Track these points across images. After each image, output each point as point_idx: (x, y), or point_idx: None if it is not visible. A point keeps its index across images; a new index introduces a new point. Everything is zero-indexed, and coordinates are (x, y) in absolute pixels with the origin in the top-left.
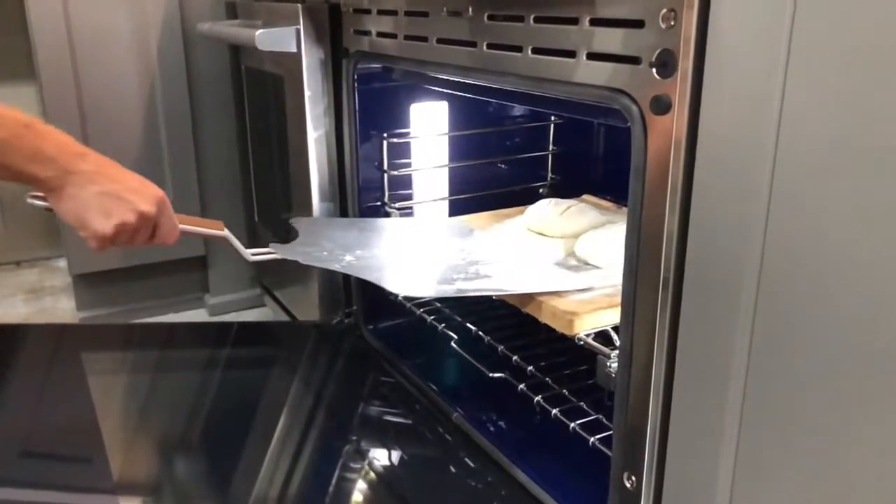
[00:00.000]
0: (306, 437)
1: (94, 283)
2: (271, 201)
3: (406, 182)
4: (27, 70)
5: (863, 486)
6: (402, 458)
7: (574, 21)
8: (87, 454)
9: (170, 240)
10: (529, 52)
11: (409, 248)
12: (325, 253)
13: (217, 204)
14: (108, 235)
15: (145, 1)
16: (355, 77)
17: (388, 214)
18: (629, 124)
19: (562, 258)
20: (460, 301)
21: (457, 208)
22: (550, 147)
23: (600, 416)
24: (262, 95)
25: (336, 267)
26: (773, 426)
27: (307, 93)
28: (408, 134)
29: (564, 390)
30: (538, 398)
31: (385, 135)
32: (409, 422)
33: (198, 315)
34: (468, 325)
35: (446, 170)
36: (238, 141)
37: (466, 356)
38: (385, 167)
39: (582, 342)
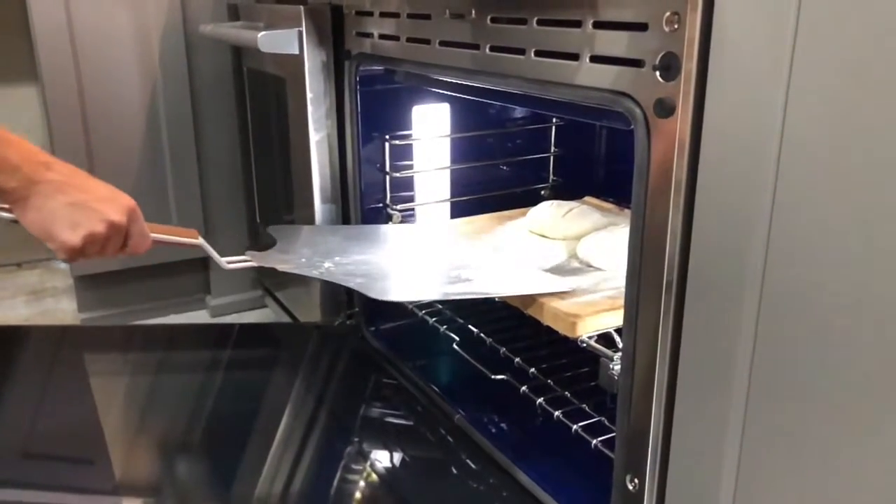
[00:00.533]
0: (308, 439)
1: (95, 285)
2: (273, 203)
3: (408, 184)
4: (29, 71)
5: (867, 489)
6: (403, 460)
7: (577, 24)
8: (90, 455)
9: (141, 249)
10: (532, 54)
11: (388, 254)
12: (303, 260)
13: (218, 205)
14: (77, 247)
15: (147, 2)
16: (357, 79)
17: (389, 216)
18: (632, 127)
19: (564, 260)
20: (462, 303)
21: (458, 210)
22: (552, 149)
23: (602, 419)
24: (264, 97)
25: (314, 273)
26: (777, 429)
27: (309, 95)
28: (410, 136)
29: (567, 392)
30: (540, 400)
31: (387, 137)
32: (411, 423)
33: (199, 316)
34: (470, 326)
35: (448, 172)
36: (240, 142)
37: (468, 358)
38: (387, 169)
39: (584, 344)
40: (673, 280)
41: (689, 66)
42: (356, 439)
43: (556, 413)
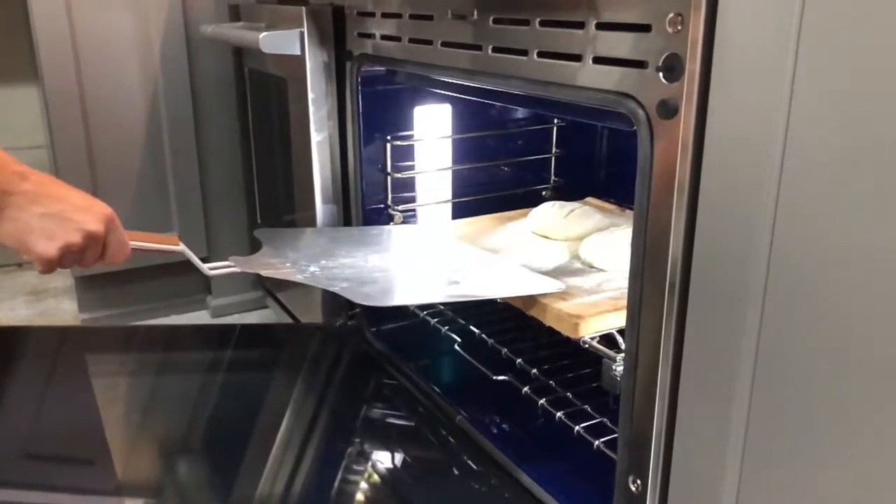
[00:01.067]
0: (309, 440)
1: (95, 285)
2: (274, 204)
3: (409, 184)
4: (30, 72)
5: (870, 491)
6: (405, 461)
7: (580, 25)
8: (91, 456)
9: (119, 259)
10: (535, 55)
11: (376, 257)
12: (288, 264)
13: (219, 206)
14: (54, 258)
15: (148, 3)
16: (359, 80)
17: (391, 217)
18: (635, 128)
19: (566, 261)
20: (463, 304)
21: (460, 211)
22: (553, 150)
23: (604, 420)
24: (266, 98)
25: (298, 278)
26: (780, 430)
27: (311, 95)
28: (411, 136)
29: (568, 393)
30: (542, 401)
31: (388, 137)
32: (413, 424)
33: (200, 317)
34: (472, 327)
35: (449, 172)
36: (241, 143)
37: (470, 359)
38: (388, 170)
39: (587, 345)
40: (676, 281)
41: (693, 67)
42: (358, 440)
43: (558, 414)
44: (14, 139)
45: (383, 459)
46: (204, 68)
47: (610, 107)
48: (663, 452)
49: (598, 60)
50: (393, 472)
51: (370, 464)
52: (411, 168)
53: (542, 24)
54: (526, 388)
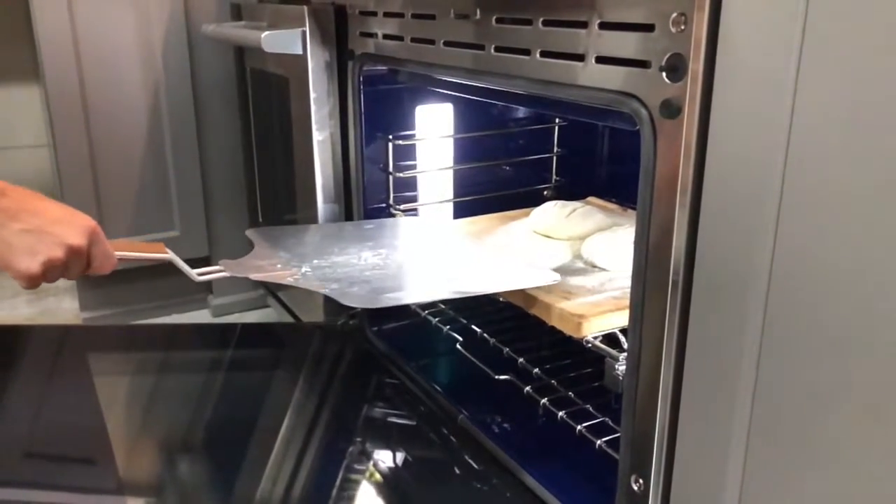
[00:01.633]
0: (311, 439)
1: (97, 284)
2: (276, 203)
3: (411, 184)
4: (31, 72)
5: (873, 492)
6: (406, 460)
7: (583, 25)
8: (92, 455)
9: (105, 270)
10: (538, 55)
11: (368, 254)
12: (278, 266)
13: (221, 205)
14: (37, 275)
15: (150, 2)
16: (360, 79)
17: (392, 216)
18: (638, 128)
19: (568, 261)
20: (465, 303)
21: (461, 210)
22: (555, 149)
23: (607, 419)
24: (267, 97)
25: (289, 280)
26: (783, 430)
27: (312, 95)
28: (413, 136)
29: (570, 393)
30: (544, 400)
31: (390, 136)
32: (414, 423)
33: (201, 316)
34: (473, 327)
35: (451, 172)
36: (242, 142)
37: (472, 358)
38: (390, 169)
39: (590, 345)
40: (679, 281)
41: (696, 66)
42: (359, 439)
43: (560, 413)
44: (15, 138)
45: (385, 459)
46: (205, 68)
47: (613, 106)
48: (665, 452)
49: (601, 60)
50: (394, 471)
51: (371, 463)
52: (413, 167)
53: (545, 23)
54: (528, 388)
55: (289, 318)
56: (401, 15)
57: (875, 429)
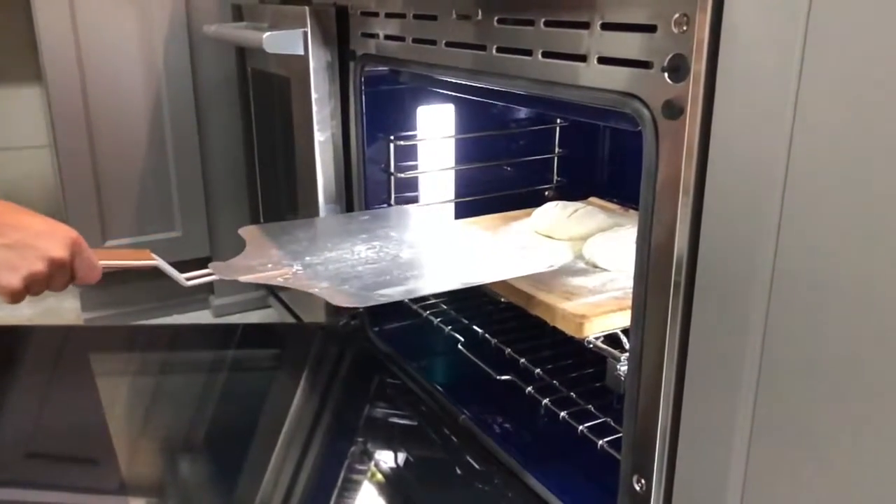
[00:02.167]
0: (312, 439)
1: (98, 285)
2: (277, 204)
3: (412, 184)
4: (33, 72)
5: (877, 492)
6: (408, 460)
7: (585, 25)
8: (94, 455)
9: (91, 280)
10: (540, 55)
11: (361, 247)
12: (269, 265)
13: (222, 206)
14: (19, 290)
15: (151, 3)
16: (362, 79)
17: None
18: (640, 128)
19: (570, 261)
20: (467, 303)
21: (463, 211)
22: (556, 150)
23: (608, 420)
24: (269, 97)
25: (279, 281)
26: (785, 431)
27: (314, 95)
28: (414, 136)
29: (572, 393)
30: (546, 401)
31: (391, 137)
32: (416, 424)
33: (202, 316)
34: (475, 327)
35: (452, 172)
36: (244, 143)
37: (473, 358)
38: (391, 169)
39: (591, 345)
40: (681, 281)
41: (698, 67)
42: (361, 440)
43: (562, 414)
44: (16, 139)
45: (386, 459)
46: (207, 68)
47: (615, 107)
48: (668, 452)
49: (603, 61)
50: (396, 471)
51: (373, 463)
52: (414, 168)
53: (547, 24)
54: (529, 388)
55: (290, 319)
56: (402, 15)
57: (878, 429)
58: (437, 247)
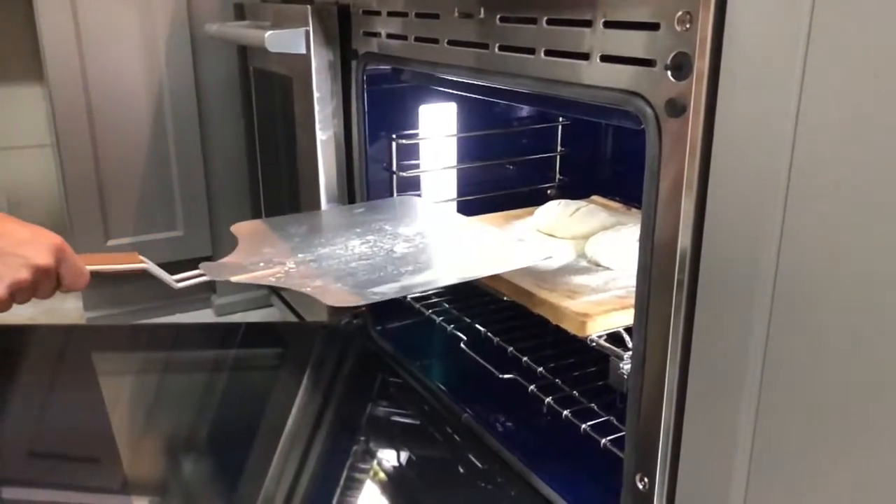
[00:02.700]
0: (314, 438)
1: (100, 283)
2: (279, 202)
3: (414, 183)
4: (35, 71)
5: (880, 491)
6: (410, 459)
7: (588, 23)
8: (96, 454)
9: (79, 286)
10: (542, 54)
11: (356, 242)
12: (261, 264)
13: (224, 205)
14: (4, 299)
15: (153, 2)
16: (364, 78)
17: None
18: (643, 126)
19: (572, 260)
20: (469, 302)
21: (465, 209)
22: (558, 148)
23: (611, 418)
24: (271, 96)
25: (271, 281)
26: (789, 429)
27: (316, 94)
28: (416, 135)
29: (575, 392)
30: (549, 399)
31: (394, 136)
32: (418, 422)
33: (204, 315)
34: (477, 325)
35: (454, 171)
36: (246, 142)
37: (476, 357)
38: (393, 168)
39: (594, 344)
40: (684, 279)
41: (701, 65)
42: (363, 438)
43: (565, 412)
44: (18, 138)
45: (389, 458)
46: (209, 67)
47: (617, 105)
48: (671, 450)
49: (605, 59)
50: (399, 470)
51: (376, 462)
52: (416, 167)
53: (550, 22)
54: (532, 387)
55: (292, 318)
56: (404, 14)
57: (881, 428)
58: (431, 240)
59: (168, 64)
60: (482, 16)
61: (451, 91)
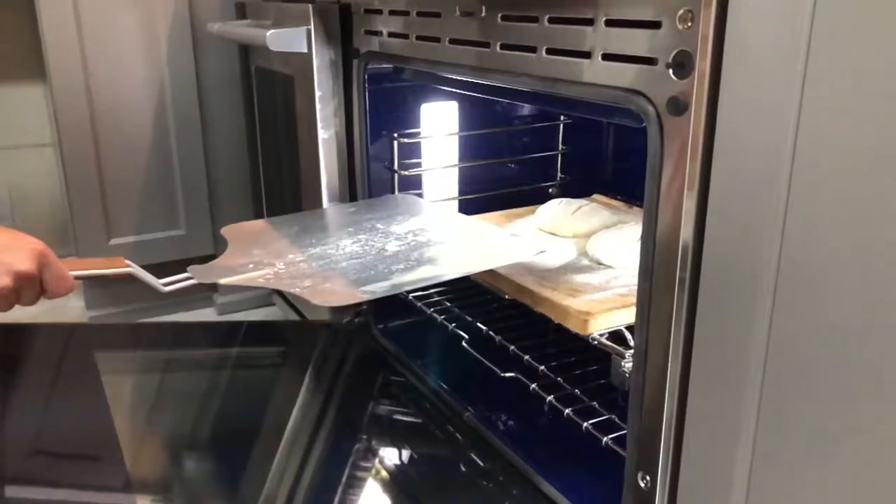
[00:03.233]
0: (317, 437)
1: (103, 283)
2: (281, 201)
3: (416, 182)
4: (37, 70)
5: (883, 489)
6: (412, 458)
7: (589, 22)
8: (99, 453)
9: (62, 292)
10: (544, 52)
11: (346, 241)
12: (251, 265)
13: (226, 204)
14: None
15: (154, 1)
16: (365, 77)
17: None
18: (644, 125)
19: (574, 258)
20: (470, 300)
21: (467, 208)
22: (560, 147)
23: (613, 416)
24: (272, 95)
25: (260, 282)
26: (791, 426)
27: (318, 93)
28: (418, 134)
29: (577, 390)
30: (550, 398)
31: (395, 135)
32: (420, 421)
33: (206, 314)
34: (479, 324)
35: (456, 169)
36: (248, 141)
37: (478, 356)
38: (395, 167)
39: (596, 342)
40: (686, 277)
41: (703, 64)
42: (365, 437)
43: (566, 411)
44: (20, 137)
45: (391, 456)
46: (210, 66)
47: (619, 103)
48: (673, 449)
49: (607, 57)
50: (400, 468)
51: (378, 460)
52: (418, 165)
53: (551, 20)
54: (534, 385)
55: (294, 316)
56: (406, 13)
57: (884, 425)
58: (424, 238)
59: (170, 63)
60: (483, 14)
61: (452, 90)
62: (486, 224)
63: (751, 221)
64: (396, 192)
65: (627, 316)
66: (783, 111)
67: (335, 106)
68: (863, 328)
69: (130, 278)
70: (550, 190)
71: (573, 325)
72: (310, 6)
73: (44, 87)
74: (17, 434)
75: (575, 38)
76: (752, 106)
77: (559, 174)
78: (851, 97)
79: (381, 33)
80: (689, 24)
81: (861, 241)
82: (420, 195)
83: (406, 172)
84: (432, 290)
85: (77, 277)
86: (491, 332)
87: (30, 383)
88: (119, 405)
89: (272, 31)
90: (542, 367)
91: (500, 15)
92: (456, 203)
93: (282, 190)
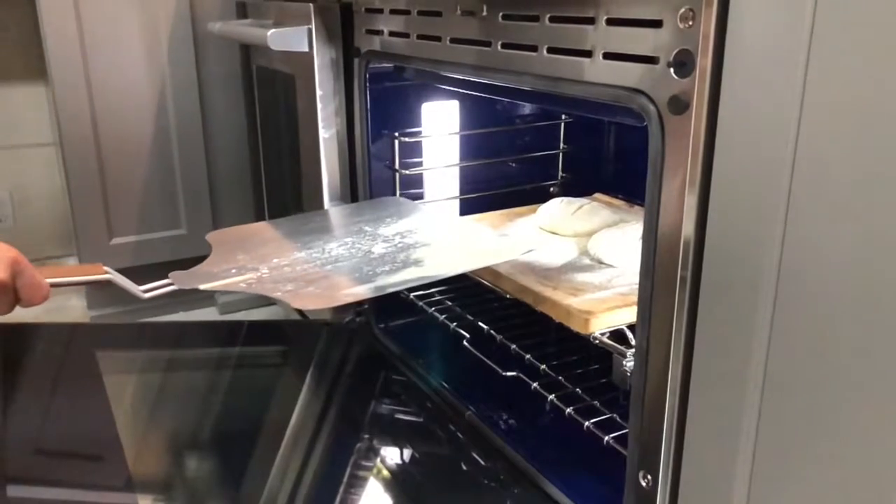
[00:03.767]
0: (318, 436)
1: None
2: (282, 201)
3: (417, 181)
4: (38, 70)
5: (884, 489)
6: (413, 457)
7: (591, 21)
8: (101, 452)
9: (37, 300)
10: (545, 51)
11: (332, 245)
12: (233, 270)
13: (227, 203)
14: None
15: (156, 1)
16: (367, 76)
17: None
18: (645, 124)
19: (575, 257)
20: (471, 300)
21: (468, 207)
22: (561, 146)
23: (614, 415)
24: (273, 94)
25: (241, 287)
26: (792, 425)
27: (319, 92)
28: (419, 133)
29: (578, 389)
30: (552, 397)
31: (396, 134)
32: (421, 420)
33: (208, 314)
34: (480, 323)
35: (457, 169)
36: (248, 140)
37: (479, 355)
38: (396, 166)
39: (597, 341)
40: (687, 276)
41: (704, 62)
42: (366, 436)
43: (568, 410)
44: (22, 137)
45: (392, 455)
46: (211, 65)
47: (620, 102)
48: (674, 448)
49: (608, 56)
50: (402, 467)
51: (379, 459)
52: (419, 164)
53: (552, 19)
54: (535, 384)
55: (296, 316)
56: (407, 12)
57: (885, 424)
58: (411, 239)
59: (171, 62)
60: (485, 13)
61: (453, 89)
62: (475, 224)
63: (752, 220)
64: (398, 192)
65: (629, 315)
66: (784, 110)
67: (336, 105)
68: (864, 326)
69: (109, 285)
70: (551, 189)
71: (574, 324)
72: (311, 5)
73: (45, 87)
74: (19, 433)
75: (576, 37)
76: (754, 104)
77: (560, 173)
78: (853, 94)
79: (382, 32)
80: (691, 22)
81: (863, 241)
82: (421, 194)
83: (407, 172)
84: (433, 290)
85: (53, 285)
86: (492, 332)
87: (31, 383)
88: (120, 405)
89: (273, 30)
90: (544, 366)
91: (501, 14)
92: (457, 202)
93: (283, 189)
